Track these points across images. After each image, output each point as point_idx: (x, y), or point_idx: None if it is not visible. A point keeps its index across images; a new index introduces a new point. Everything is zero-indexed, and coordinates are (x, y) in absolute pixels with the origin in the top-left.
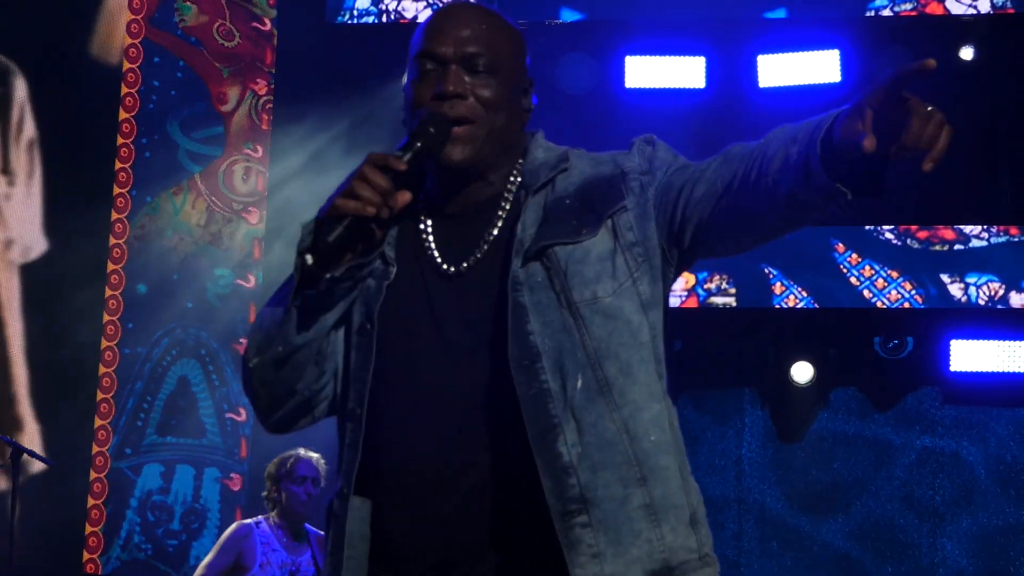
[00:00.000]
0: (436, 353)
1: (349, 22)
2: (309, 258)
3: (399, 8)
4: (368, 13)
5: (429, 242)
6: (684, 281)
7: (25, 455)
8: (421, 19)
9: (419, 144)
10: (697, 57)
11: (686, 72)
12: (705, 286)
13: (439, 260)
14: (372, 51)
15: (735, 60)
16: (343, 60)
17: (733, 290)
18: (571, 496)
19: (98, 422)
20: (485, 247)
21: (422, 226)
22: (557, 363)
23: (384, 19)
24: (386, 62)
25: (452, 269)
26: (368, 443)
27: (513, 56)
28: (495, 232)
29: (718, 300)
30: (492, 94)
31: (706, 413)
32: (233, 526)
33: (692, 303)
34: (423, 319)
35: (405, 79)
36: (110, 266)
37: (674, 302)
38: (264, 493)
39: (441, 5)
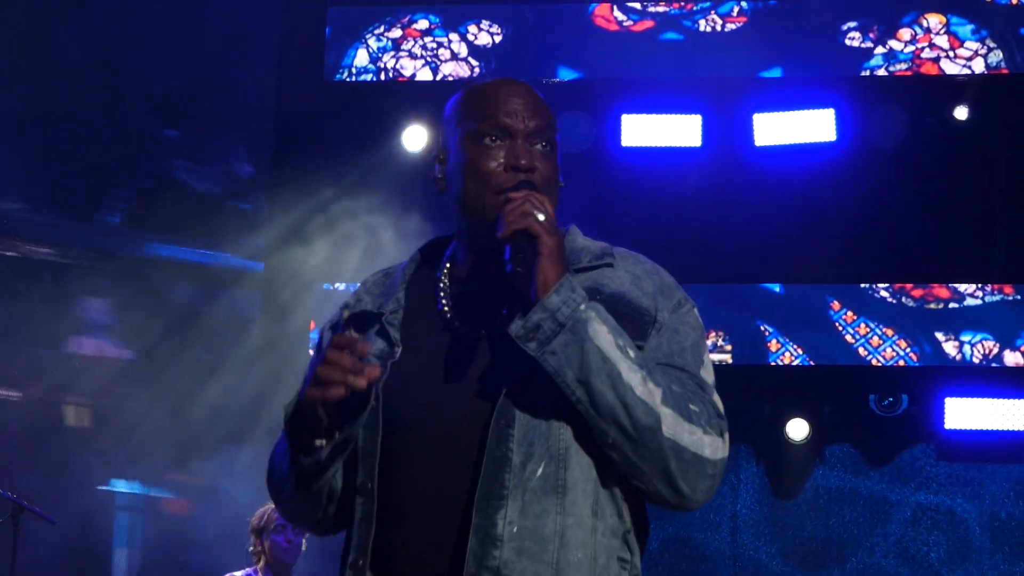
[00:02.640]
0: (443, 416)
1: (348, 80)
2: (301, 457)
3: (397, 66)
4: (366, 71)
5: (445, 305)
6: None
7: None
8: (420, 77)
9: (520, 262)
10: (693, 116)
11: (682, 130)
12: None
13: (455, 325)
14: (370, 109)
15: (731, 119)
16: (342, 118)
17: (729, 347)
18: (488, 565)
19: None
20: (505, 313)
21: (441, 291)
22: (526, 438)
23: (383, 77)
24: (385, 120)
25: (469, 331)
26: (381, 517)
27: (556, 134)
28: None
29: (714, 357)
30: (551, 170)
31: None
32: None
33: None
34: (433, 386)
35: (447, 141)
36: None
37: None
38: (249, 548)
39: (483, 79)
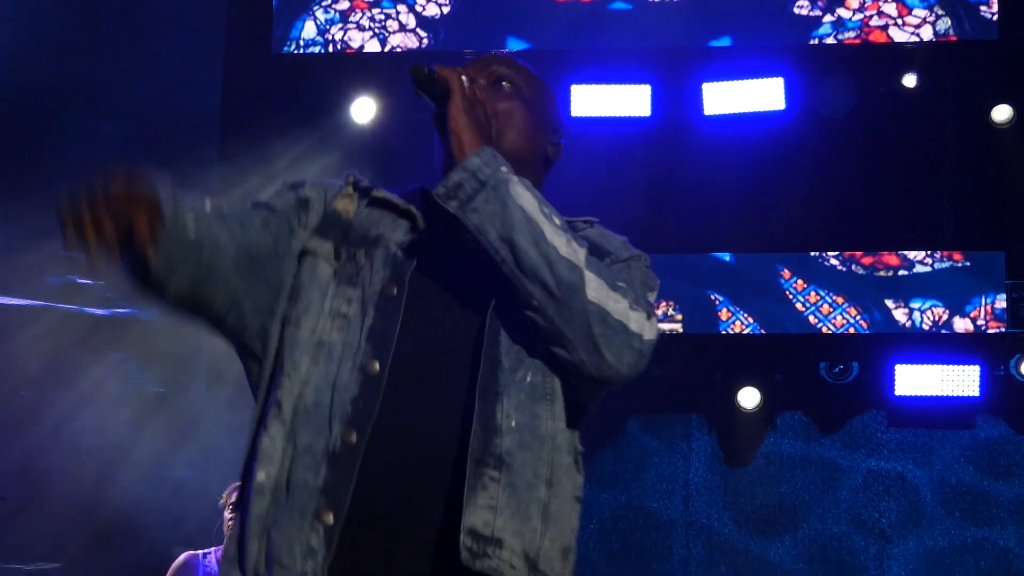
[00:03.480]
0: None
1: (295, 52)
2: None
3: (345, 38)
4: (314, 43)
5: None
6: None
7: None
8: (368, 48)
9: None
10: (642, 85)
11: (631, 100)
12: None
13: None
14: (318, 81)
15: (680, 88)
16: (290, 91)
17: (680, 316)
18: (492, 451)
19: None
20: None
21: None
22: (514, 346)
23: (331, 49)
24: (332, 92)
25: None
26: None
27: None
28: None
29: (665, 326)
30: (505, 106)
31: (653, 437)
32: (180, 557)
33: None
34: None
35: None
36: None
37: None
38: (228, 524)
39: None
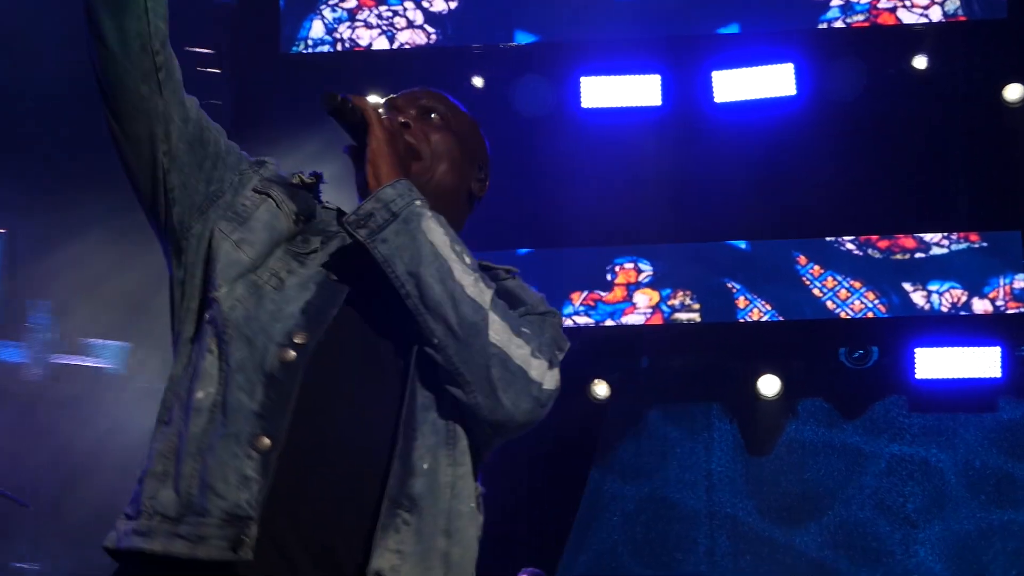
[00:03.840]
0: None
1: (304, 52)
2: None
3: (353, 36)
4: (323, 43)
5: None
6: (648, 298)
7: None
8: (376, 46)
9: None
10: (652, 75)
11: (642, 90)
12: (669, 302)
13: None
14: (327, 80)
15: (690, 77)
16: (300, 90)
17: (697, 306)
18: (408, 493)
19: None
20: None
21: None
22: (432, 380)
23: (339, 48)
24: (343, 91)
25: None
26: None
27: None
28: None
29: (682, 316)
30: (438, 140)
31: (674, 428)
32: None
33: (657, 320)
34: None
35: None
36: None
37: (639, 319)
38: None
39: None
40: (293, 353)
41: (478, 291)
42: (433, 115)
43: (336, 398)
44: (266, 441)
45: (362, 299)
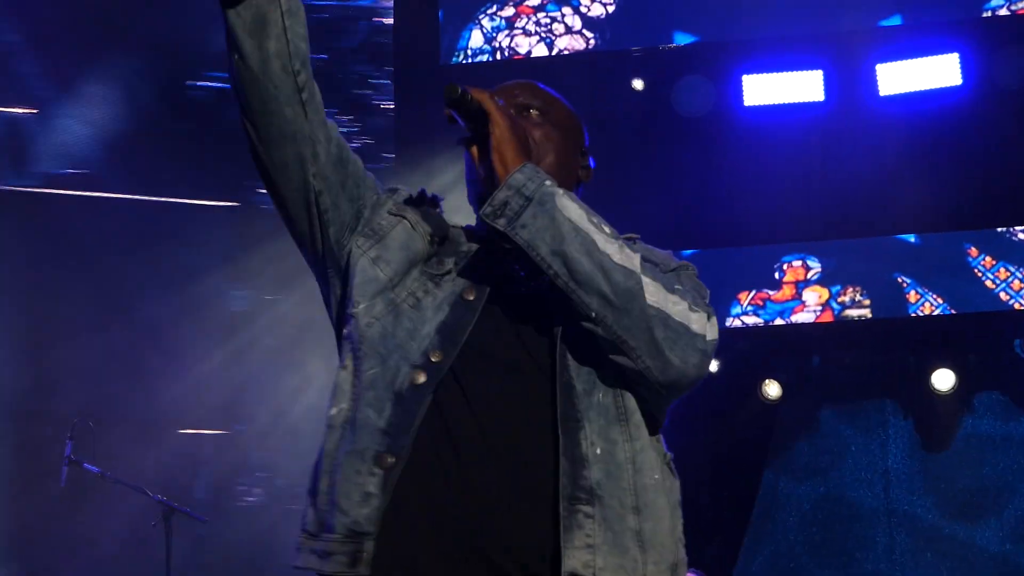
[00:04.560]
0: (500, 327)
1: (463, 62)
2: None
3: (512, 45)
4: (482, 52)
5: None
6: (818, 296)
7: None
8: (536, 53)
9: None
10: (814, 71)
11: (804, 86)
12: (839, 299)
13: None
14: (488, 89)
15: (853, 71)
16: None
17: (867, 301)
18: (582, 485)
19: None
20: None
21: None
22: (582, 366)
23: (498, 56)
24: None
25: (521, 284)
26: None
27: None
28: None
29: (853, 312)
30: (541, 135)
31: (848, 426)
32: None
33: (827, 317)
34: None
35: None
36: None
37: (808, 317)
38: None
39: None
40: (424, 377)
41: (625, 257)
42: (531, 111)
43: (475, 413)
44: (389, 459)
45: (496, 313)
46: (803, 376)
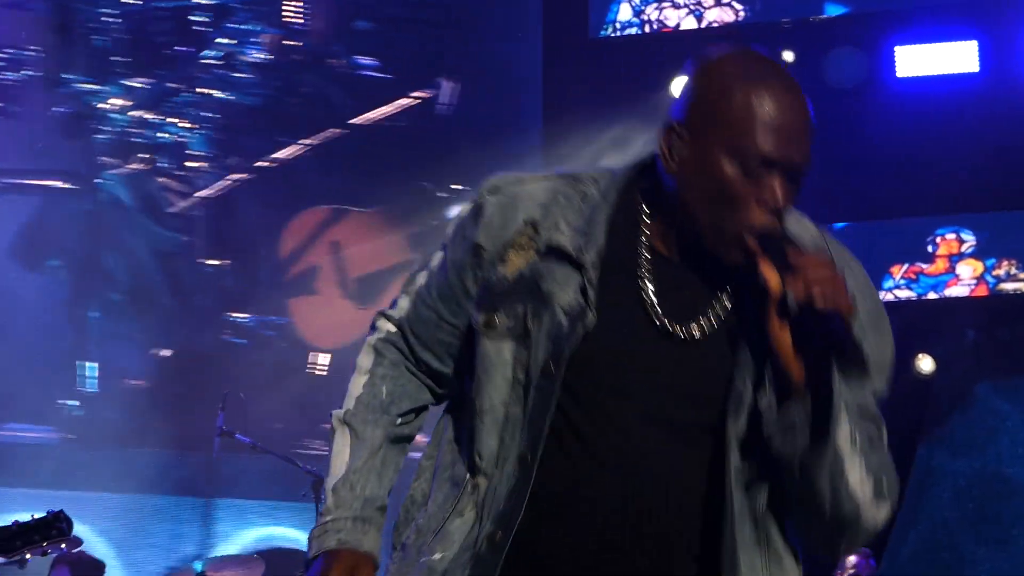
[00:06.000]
0: (646, 421)
1: (612, 35)
2: None
3: (661, 17)
4: (631, 25)
5: (647, 291)
6: (972, 269)
7: None
8: (684, 26)
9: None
10: (969, 41)
11: (958, 57)
12: (993, 273)
13: (662, 318)
14: (637, 62)
15: (1009, 41)
16: (608, 74)
17: (1023, 275)
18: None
19: None
20: (721, 315)
21: (639, 271)
22: (747, 482)
23: (647, 29)
24: (652, 72)
25: (680, 333)
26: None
27: None
28: (729, 300)
29: (1008, 286)
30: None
31: (1005, 401)
32: None
33: (982, 291)
34: (633, 380)
35: (698, 125)
36: None
37: (963, 291)
38: None
39: (769, 80)
40: (500, 535)
41: (859, 480)
42: (799, 180)
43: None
44: (480, 481)
45: (587, 384)
46: (957, 351)
